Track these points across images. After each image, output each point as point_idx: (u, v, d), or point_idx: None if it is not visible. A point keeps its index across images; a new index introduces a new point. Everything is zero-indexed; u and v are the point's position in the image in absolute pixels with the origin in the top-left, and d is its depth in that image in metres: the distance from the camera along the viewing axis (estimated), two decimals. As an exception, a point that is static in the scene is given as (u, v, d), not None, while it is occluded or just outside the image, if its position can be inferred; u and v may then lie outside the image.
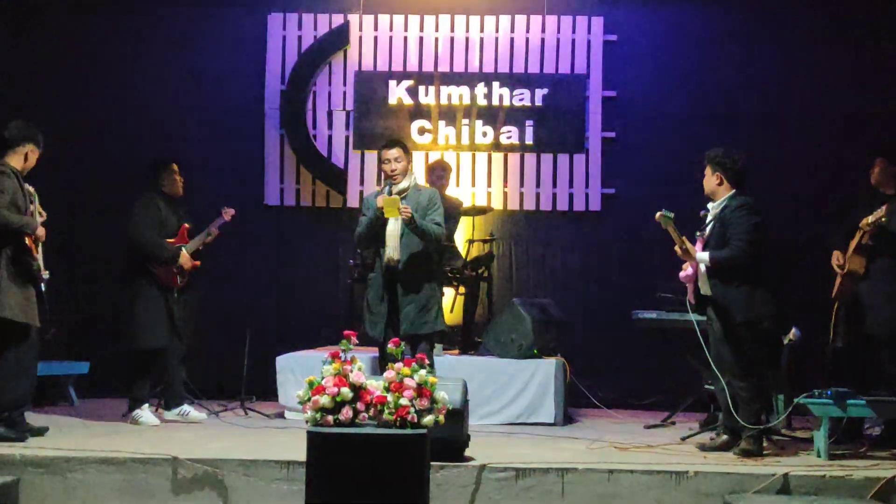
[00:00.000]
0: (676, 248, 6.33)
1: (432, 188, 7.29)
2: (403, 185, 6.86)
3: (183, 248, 7.37)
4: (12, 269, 6.20)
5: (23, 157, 6.39)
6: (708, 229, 6.38)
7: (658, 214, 6.24)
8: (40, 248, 6.33)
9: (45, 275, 6.35)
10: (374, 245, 6.89)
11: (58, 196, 6.66)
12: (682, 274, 6.45)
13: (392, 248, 6.74)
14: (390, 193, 6.77)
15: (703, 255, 6.28)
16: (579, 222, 9.22)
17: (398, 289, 6.78)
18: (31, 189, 6.47)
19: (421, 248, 6.81)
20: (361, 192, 9.24)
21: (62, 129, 8.77)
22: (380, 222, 6.75)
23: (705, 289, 6.36)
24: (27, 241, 6.22)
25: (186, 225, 7.49)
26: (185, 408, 7.45)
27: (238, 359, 8.04)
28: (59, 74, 9.23)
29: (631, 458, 6.06)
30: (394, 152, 6.85)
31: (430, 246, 6.85)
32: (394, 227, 6.75)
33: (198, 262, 7.49)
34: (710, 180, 6.45)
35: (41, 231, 6.32)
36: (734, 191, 6.38)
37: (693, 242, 6.42)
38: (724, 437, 6.42)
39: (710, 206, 6.51)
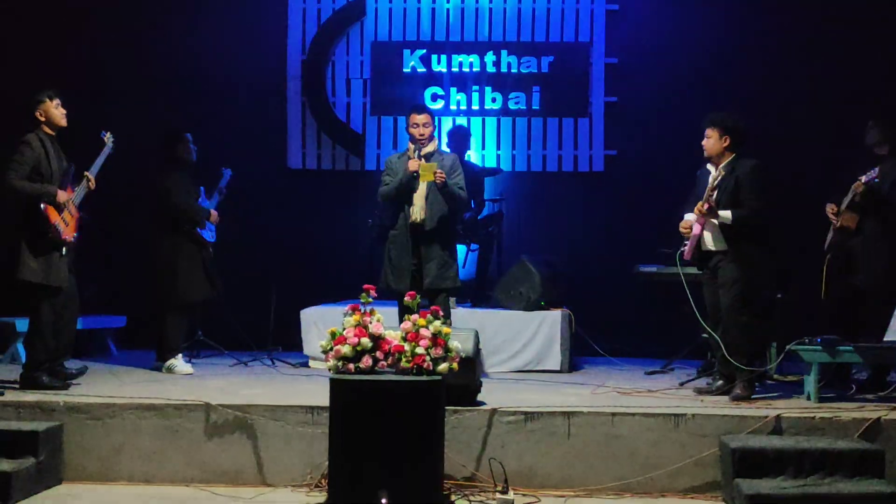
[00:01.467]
0: (701, 204, 6.21)
1: (454, 154, 7.23)
2: (429, 148, 6.81)
3: (211, 209, 7.46)
4: (32, 235, 6.17)
5: (44, 119, 6.31)
6: (717, 190, 6.24)
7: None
8: (65, 211, 6.25)
9: (71, 237, 6.28)
10: (399, 203, 6.84)
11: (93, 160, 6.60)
12: (693, 231, 6.34)
13: (419, 206, 6.70)
14: (419, 157, 6.72)
15: (726, 213, 6.19)
16: (584, 182, 9.18)
17: (421, 245, 6.74)
18: (108, 139, 6.52)
19: (444, 209, 6.78)
20: (378, 156, 9.22)
21: (96, 95, 8.81)
22: (410, 185, 6.70)
23: (717, 244, 6.28)
24: (47, 208, 6.17)
25: (201, 186, 7.55)
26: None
27: (265, 312, 8.05)
28: (89, 42, 9.22)
29: (632, 402, 6.05)
30: (423, 117, 6.79)
31: (454, 207, 6.83)
32: (421, 188, 6.70)
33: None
34: (717, 143, 6.33)
35: (63, 197, 6.22)
36: (735, 153, 6.31)
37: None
38: (720, 382, 6.40)
39: (709, 167, 6.43)
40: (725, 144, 6.32)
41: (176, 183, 7.27)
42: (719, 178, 6.26)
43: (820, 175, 7.76)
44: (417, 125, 6.78)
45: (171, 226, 7.27)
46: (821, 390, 6.16)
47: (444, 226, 6.83)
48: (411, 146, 6.83)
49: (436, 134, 6.99)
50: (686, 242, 6.45)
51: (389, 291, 6.74)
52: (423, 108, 6.90)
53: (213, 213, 7.47)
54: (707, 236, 6.33)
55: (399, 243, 6.81)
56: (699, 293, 6.46)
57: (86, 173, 6.41)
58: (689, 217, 6.42)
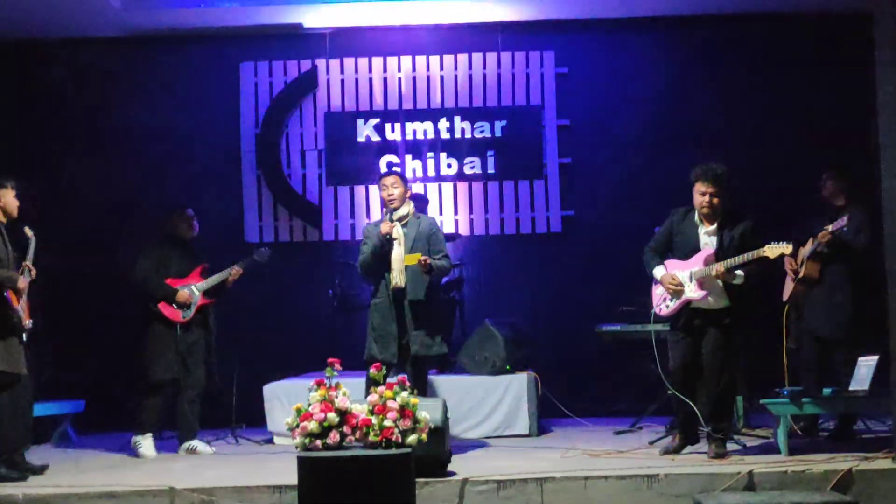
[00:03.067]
0: (721, 267, 6.04)
1: (431, 217, 7.16)
2: (403, 211, 6.75)
3: (189, 287, 7.24)
4: None
5: (1, 205, 6.26)
6: (725, 248, 6.13)
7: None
8: (22, 299, 6.19)
9: (28, 324, 6.21)
10: (378, 272, 6.76)
11: (50, 241, 6.52)
12: (699, 294, 6.15)
13: (398, 271, 6.61)
14: (391, 220, 6.68)
15: (740, 273, 6.07)
16: (542, 243, 9.18)
17: (406, 312, 6.65)
18: (31, 233, 6.36)
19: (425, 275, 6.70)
20: (336, 226, 9.19)
21: (50, 181, 8.74)
22: (384, 250, 6.64)
23: (719, 303, 6.17)
24: (10, 293, 6.08)
25: (204, 265, 7.40)
26: (193, 443, 7.28)
27: (225, 389, 7.90)
28: (43, 128, 9.15)
29: (604, 464, 6.01)
30: (391, 179, 6.78)
31: (437, 279, 6.79)
32: (398, 253, 6.63)
33: (209, 301, 7.37)
34: (719, 200, 6.15)
35: (22, 283, 6.17)
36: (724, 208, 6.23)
37: (686, 257, 6.28)
38: (683, 438, 6.37)
39: (697, 219, 6.23)
40: (725, 200, 6.19)
41: (144, 257, 7.26)
42: (715, 235, 6.19)
43: (777, 228, 7.81)
44: (386, 186, 6.76)
45: (143, 302, 7.23)
46: (790, 442, 6.15)
47: (428, 291, 6.71)
48: (384, 210, 6.79)
49: (410, 197, 6.91)
50: (669, 302, 6.27)
51: (372, 361, 6.60)
52: (391, 172, 6.90)
53: (183, 292, 7.22)
54: (717, 295, 6.16)
55: (382, 311, 6.68)
56: (663, 350, 6.45)
57: (25, 263, 6.31)
58: (680, 274, 6.23)
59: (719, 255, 6.13)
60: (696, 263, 6.20)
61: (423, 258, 6.54)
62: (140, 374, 7.24)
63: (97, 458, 7.11)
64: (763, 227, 6.19)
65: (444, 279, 8.42)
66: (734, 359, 6.24)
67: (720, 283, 6.13)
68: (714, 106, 9.03)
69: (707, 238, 6.24)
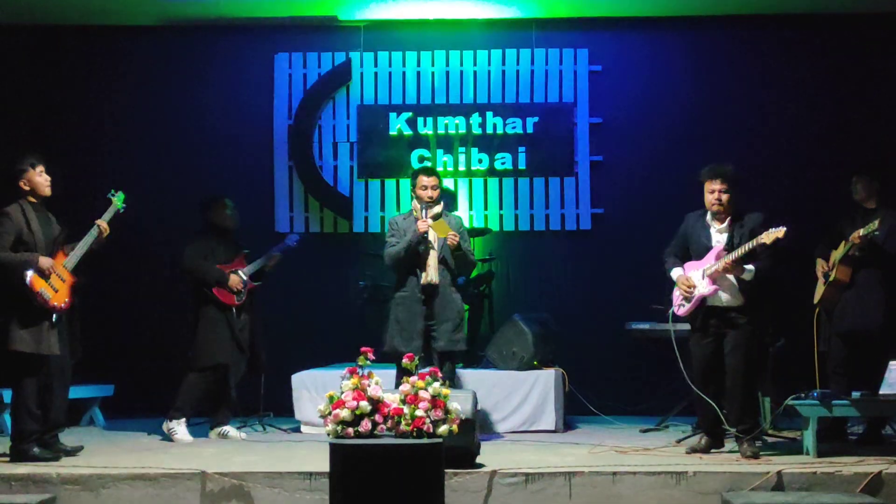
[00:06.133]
0: (729, 260, 6.13)
1: (458, 216, 7.31)
2: (436, 210, 6.87)
3: (237, 272, 7.39)
4: (20, 304, 6.09)
5: (28, 188, 6.28)
6: (735, 244, 6.20)
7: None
8: (53, 279, 6.15)
9: (62, 304, 6.18)
10: (409, 266, 6.84)
11: (83, 227, 6.59)
12: (709, 289, 6.26)
13: (433, 268, 6.73)
14: (426, 217, 6.80)
15: (750, 268, 6.15)
16: (571, 241, 9.21)
17: (435, 307, 6.76)
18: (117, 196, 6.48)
19: (454, 271, 6.88)
20: (367, 218, 9.24)
21: (85, 168, 8.85)
22: (420, 246, 6.73)
23: (733, 300, 6.24)
24: (32, 276, 6.08)
25: (245, 252, 7.58)
26: (226, 428, 7.40)
27: (252, 378, 7.97)
28: (74, 114, 9.27)
29: (632, 460, 6.02)
30: (432, 180, 6.91)
31: (464, 269, 6.92)
32: (433, 251, 6.75)
33: (255, 284, 7.54)
34: (730, 196, 6.27)
35: (45, 262, 6.13)
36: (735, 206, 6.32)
37: (700, 257, 6.35)
38: (707, 439, 6.39)
39: (709, 220, 6.35)
40: (736, 198, 6.29)
41: (192, 247, 7.38)
42: (725, 232, 6.27)
43: (806, 228, 7.82)
44: (427, 188, 6.87)
45: (194, 289, 7.37)
46: (818, 444, 6.16)
47: (454, 287, 6.92)
48: (417, 206, 6.87)
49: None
50: (685, 302, 6.35)
51: (395, 354, 6.66)
52: (431, 171, 7.03)
53: (234, 277, 7.36)
54: (730, 292, 6.25)
55: (408, 305, 6.81)
56: (687, 350, 6.47)
57: (97, 221, 6.39)
58: (693, 274, 6.34)
59: (729, 250, 6.22)
60: (708, 261, 6.31)
61: (451, 232, 6.68)
62: (189, 358, 7.32)
63: (127, 442, 7.19)
64: (772, 221, 6.17)
65: (462, 276, 8.46)
66: (755, 358, 6.26)
67: (733, 279, 6.20)
68: (747, 106, 9.04)
69: (718, 236, 6.35)
